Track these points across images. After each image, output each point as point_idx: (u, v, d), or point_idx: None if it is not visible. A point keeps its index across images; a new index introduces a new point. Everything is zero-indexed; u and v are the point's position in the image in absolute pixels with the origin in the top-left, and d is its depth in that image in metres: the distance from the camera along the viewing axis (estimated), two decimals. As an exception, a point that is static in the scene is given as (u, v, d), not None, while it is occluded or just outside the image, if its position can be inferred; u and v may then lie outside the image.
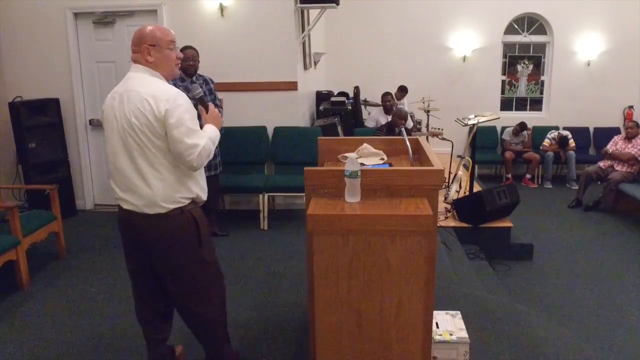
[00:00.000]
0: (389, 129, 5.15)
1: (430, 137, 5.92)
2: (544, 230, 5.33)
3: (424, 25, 7.76)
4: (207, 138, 2.08)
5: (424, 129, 7.00)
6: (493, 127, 7.67)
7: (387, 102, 6.24)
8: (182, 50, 4.05)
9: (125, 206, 2.13)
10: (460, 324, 2.47)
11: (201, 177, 2.22)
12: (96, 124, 5.26)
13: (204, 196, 2.21)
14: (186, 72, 4.03)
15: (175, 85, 3.92)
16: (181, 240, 2.12)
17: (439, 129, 5.93)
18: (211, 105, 2.28)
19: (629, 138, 6.03)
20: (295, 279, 3.58)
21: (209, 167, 4.09)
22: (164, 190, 2.05)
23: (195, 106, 2.17)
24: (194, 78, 4.09)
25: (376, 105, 7.37)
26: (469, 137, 5.41)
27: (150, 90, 2.00)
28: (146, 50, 2.06)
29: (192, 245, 2.15)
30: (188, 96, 2.12)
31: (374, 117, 6.75)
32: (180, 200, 2.10)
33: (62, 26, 5.01)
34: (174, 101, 1.98)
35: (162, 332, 2.37)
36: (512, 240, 4.61)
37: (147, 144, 2.01)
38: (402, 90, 7.23)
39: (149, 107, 1.97)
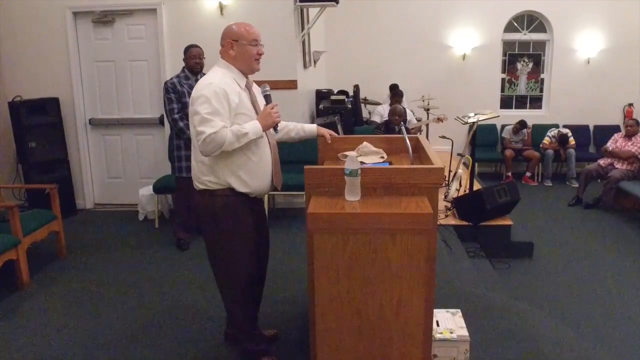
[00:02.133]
0: (387, 127, 5.15)
1: (436, 123, 5.85)
2: (544, 228, 5.33)
3: (424, 24, 7.73)
4: (223, 129, 2.09)
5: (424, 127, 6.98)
6: (493, 125, 7.65)
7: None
8: (188, 49, 4.08)
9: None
10: (461, 322, 2.47)
11: (244, 169, 2.24)
12: (96, 123, 5.26)
13: (243, 188, 2.26)
14: (193, 70, 4.03)
15: (179, 83, 3.97)
16: (205, 218, 2.31)
17: (443, 114, 5.88)
18: (269, 105, 2.27)
19: (628, 136, 6.03)
20: (296, 277, 3.58)
21: (179, 169, 4.04)
22: (196, 171, 2.28)
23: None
24: (199, 76, 4.07)
25: (376, 103, 7.37)
26: (468, 135, 5.41)
27: (201, 81, 2.21)
28: (229, 44, 2.25)
29: (210, 228, 2.31)
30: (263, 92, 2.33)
31: (379, 112, 6.74)
32: (208, 184, 2.25)
33: (62, 25, 5.01)
34: (199, 91, 2.14)
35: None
36: (512, 238, 4.60)
37: (191, 128, 2.23)
38: (394, 89, 7.16)
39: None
